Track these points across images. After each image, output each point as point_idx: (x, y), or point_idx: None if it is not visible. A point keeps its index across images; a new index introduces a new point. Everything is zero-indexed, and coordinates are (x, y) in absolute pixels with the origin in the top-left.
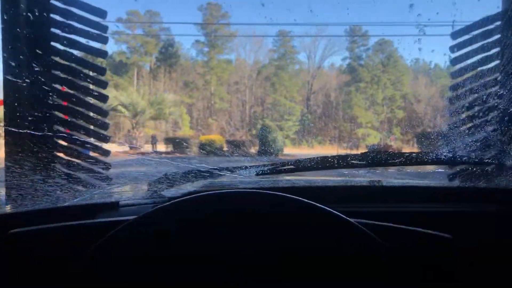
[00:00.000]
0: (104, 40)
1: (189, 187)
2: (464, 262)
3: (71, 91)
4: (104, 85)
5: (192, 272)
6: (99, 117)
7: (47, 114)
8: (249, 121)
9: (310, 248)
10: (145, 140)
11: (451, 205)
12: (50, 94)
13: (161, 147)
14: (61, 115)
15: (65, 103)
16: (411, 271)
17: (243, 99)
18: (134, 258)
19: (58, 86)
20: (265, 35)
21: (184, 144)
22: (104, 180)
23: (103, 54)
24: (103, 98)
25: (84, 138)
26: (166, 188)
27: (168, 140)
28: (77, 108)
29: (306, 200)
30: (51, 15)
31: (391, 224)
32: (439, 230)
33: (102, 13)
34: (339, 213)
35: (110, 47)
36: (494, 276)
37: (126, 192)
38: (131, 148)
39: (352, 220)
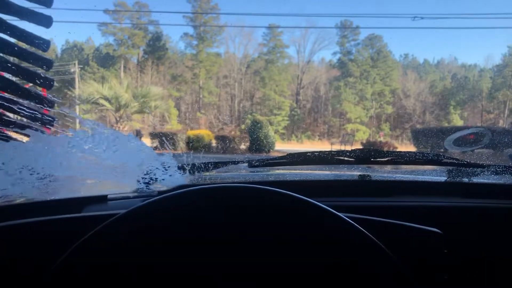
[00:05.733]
0: (47, 1)
1: (178, 181)
2: (454, 256)
3: None
4: (48, 63)
5: (180, 267)
6: (36, 107)
7: None
8: (238, 115)
9: (296, 244)
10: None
11: (439, 199)
12: None
13: (147, 142)
14: None
15: None
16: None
17: (232, 93)
18: (123, 252)
19: None
20: (254, 25)
21: (171, 139)
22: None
23: (44, 20)
24: (46, 83)
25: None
26: (155, 183)
27: (153, 135)
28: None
29: (290, 193)
30: None
31: (380, 219)
32: (428, 225)
33: None
34: (325, 206)
35: (97, 39)
36: (485, 270)
37: (114, 186)
38: None
39: (341, 214)
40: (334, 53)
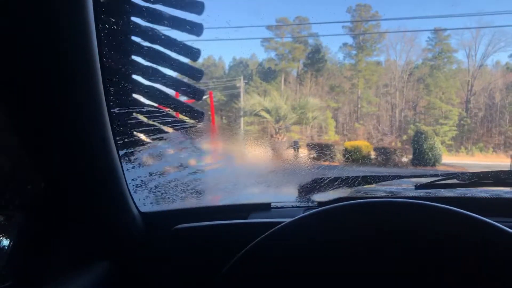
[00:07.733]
0: (198, 8)
1: (337, 193)
2: None
3: (153, 84)
4: (197, 75)
5: (342, 279)
6: (184, 117)
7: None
8: (399, 126)
9: (477, 270)
10: (287, 145)
11: None
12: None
13: (304, 153)
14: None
15: (161, 106)
16: None
17: (393, 102)
18: (287, 259)
19: (139, 78)
20: (418, 29)
21: (328, 150)
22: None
23: (196, 29)
24: (197, 94)
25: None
26: (315, 193)
27: (310, 146)
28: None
29: (472, 214)
30: None
31: None
32: None
33: None
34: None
35: (260, 55)
36: None
37: (276, 194)
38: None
39: None
40: None
